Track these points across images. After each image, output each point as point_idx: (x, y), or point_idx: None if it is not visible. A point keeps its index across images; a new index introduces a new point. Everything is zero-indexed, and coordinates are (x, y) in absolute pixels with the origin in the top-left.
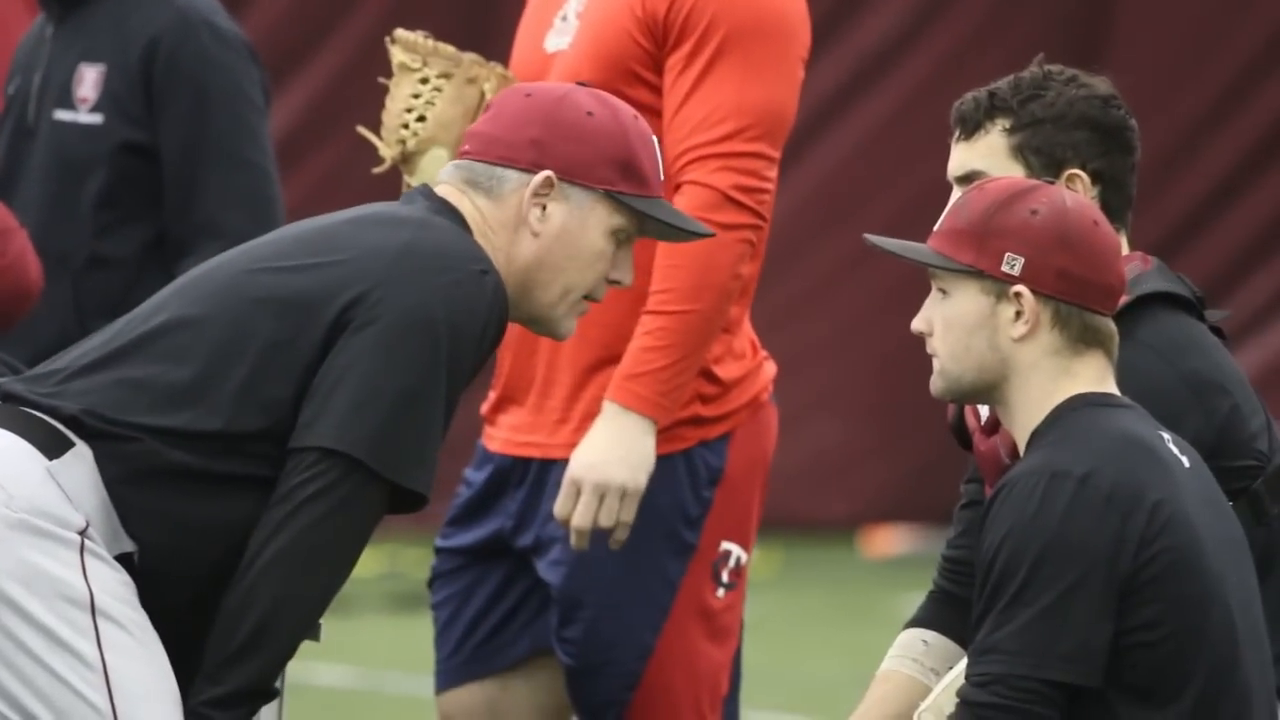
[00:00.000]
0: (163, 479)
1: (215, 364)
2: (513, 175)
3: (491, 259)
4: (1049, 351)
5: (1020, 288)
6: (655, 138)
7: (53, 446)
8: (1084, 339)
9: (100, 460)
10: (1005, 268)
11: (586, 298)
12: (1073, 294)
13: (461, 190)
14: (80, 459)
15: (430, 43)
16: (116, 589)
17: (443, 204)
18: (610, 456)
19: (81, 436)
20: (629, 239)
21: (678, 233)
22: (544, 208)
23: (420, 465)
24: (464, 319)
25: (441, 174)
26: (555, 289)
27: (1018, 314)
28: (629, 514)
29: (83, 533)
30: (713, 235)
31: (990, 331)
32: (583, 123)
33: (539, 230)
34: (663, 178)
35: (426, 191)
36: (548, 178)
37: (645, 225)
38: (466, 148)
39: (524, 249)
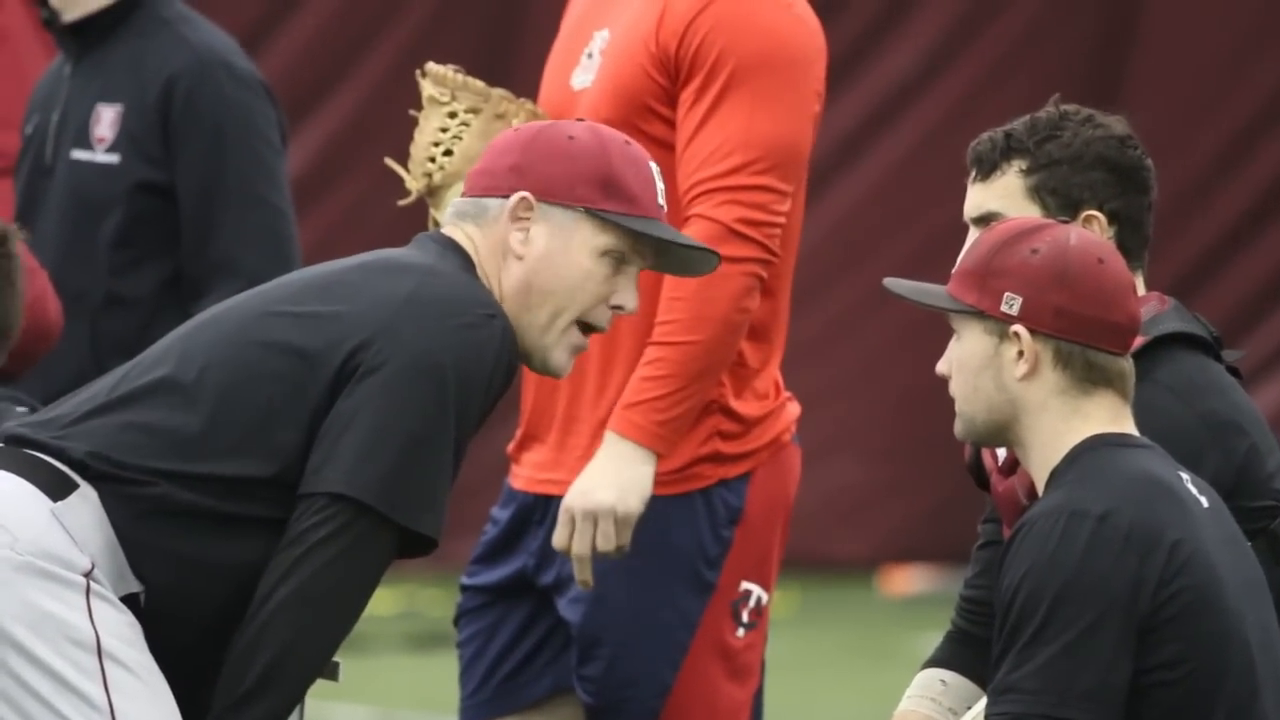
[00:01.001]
0: (172, 520)
1: (224, 409)
2: (494, 203)
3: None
4: (1055, 391)
5: (1018, 327)
6: (654, 165)
7: (57, 488)
8: (1090, 378)
9: (107, 502)
10: (1004, 307)
11: (586, 328)
12: (1072, 332)
13: (459, 227)
14: (85, 500)
15: (460, 77)
16: (122, 631)
17: (450, 244)
18: (601, 482)
19: (88, 479)
20: (623, 260)
21: (682, 256)
22: (526, 231)
23: (429, 509)
24: (471, 363)
25: (445, 216)
26: (544, 313)
27: (1020, 354)
28: (625, 537)
29: (88, 574)
30: (716, 258)
31: (995, 372)
32: (562, 145)
33: (522, 253)
34: (662, 204)
35: (438, 236)
36: (524, 199)
37: (640, 245)
38: (467, 186)
39: (511, 274)
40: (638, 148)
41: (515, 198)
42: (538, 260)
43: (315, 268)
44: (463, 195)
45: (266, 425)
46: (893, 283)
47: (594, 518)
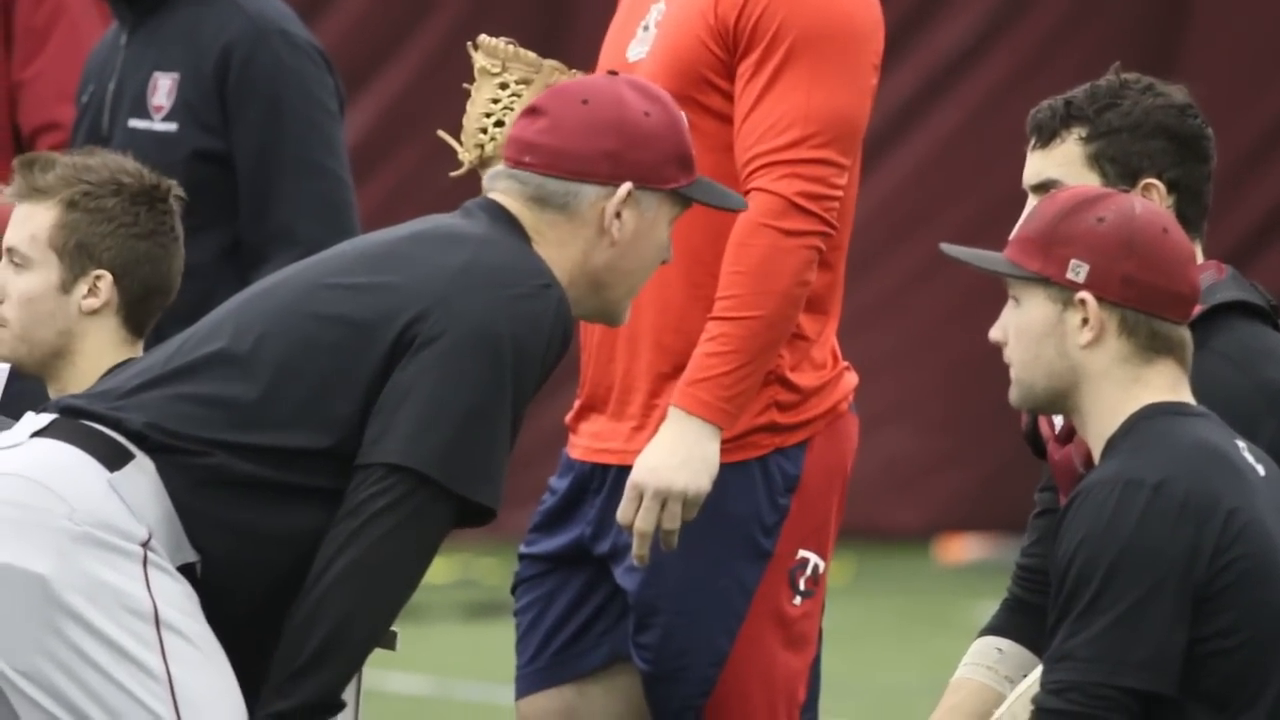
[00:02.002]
0: (230, 490)
1: (279, 381)
2: (590, 190)
3: (557, 269)
4: (1118, 359)
5: (1085, 294)
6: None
7: (114, 459)
8: (1153, 346)
9: (164, 472)
10: (1070, 274)
11: None
12: (1139, 301)
13: (526, 205)
14: (142, 471)
15: (511, 48)
16: (180, 601)
17: (504, 215)
18: (673, 461)
19: (144, 449)
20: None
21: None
22: (620, 217)
23: (487, 480)
24: (528, 334)
25: (496, 182)
26: (625, 287)
27: (1084, 321)
28: (690, 516)
29: (145, 544)
30: (744, 207)
31: (1058, 339)
32: (644, 125)
33: (618, 238)
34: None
35: (486, 204)
36: (630, 191)
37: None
38: (527, 159)
39: (600, 256)
40: (673, 100)
41: (624, 190)
42: (628, 244)
43: (367, 237)
44: (528, 169)
45: (323, 397)
46: (951, 249)
47: (664, 498)
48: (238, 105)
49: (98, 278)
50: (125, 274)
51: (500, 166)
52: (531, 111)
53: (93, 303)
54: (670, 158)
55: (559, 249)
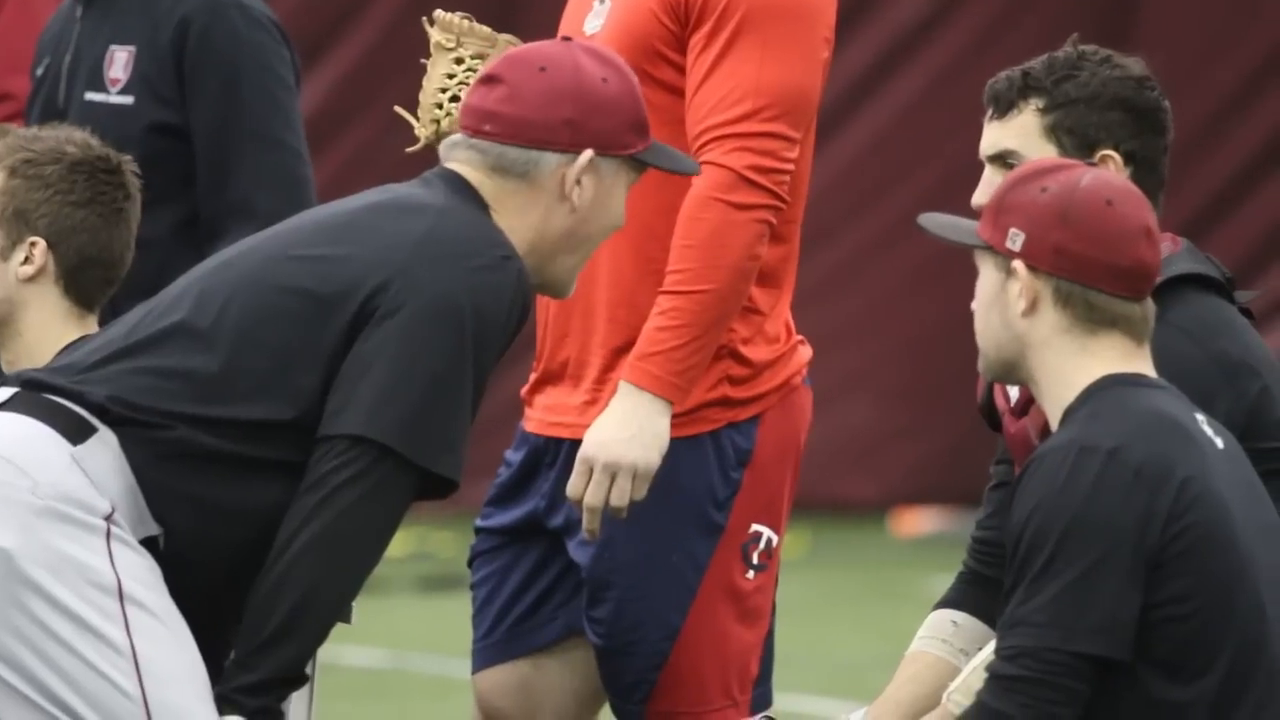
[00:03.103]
0: (191, 463)
1: (241, 353)
2: (551, 157)
3: (516, 238)
4: (1058, 329)
5: (1017, 263)
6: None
7: (76, 432)
8: (1092, 318)
9: (126, 446)
10: (1009, 243)
11: None
12: (1072, 272)
13: (486, 174)
14: (104, 444)
15: (467, 23)
16: (143, 574)
17: (463, 185)
18: (622, 435)
19: (107, 423)
20: None
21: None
22: (580, 183)
23: (449, 451)
24: (489, 304)
25: (455, 151)
26: (580, 254)
27: (1023, 290)
28: (640, 494)
29: (108, 518)
30: (698, 171)
31: (1001, 308)
32: (603, 92)
33: (577, 205)
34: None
35: (445, 174)
36: (592, 159)
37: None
38: (486, 128)
39: (559, 223)
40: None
41: (585, 157)
42: (587, 209)
43: (326, 207)
44: (487, 138)
45: (284, 369)
46: (926, 218)
47: (613, 472)
48: (194, 78)
49: (33, 244)
50: (60, 241)
51: (457, 136)
52: (488, 79)
53: (28, 270)
54: (628, 124)
55: (519, 217)
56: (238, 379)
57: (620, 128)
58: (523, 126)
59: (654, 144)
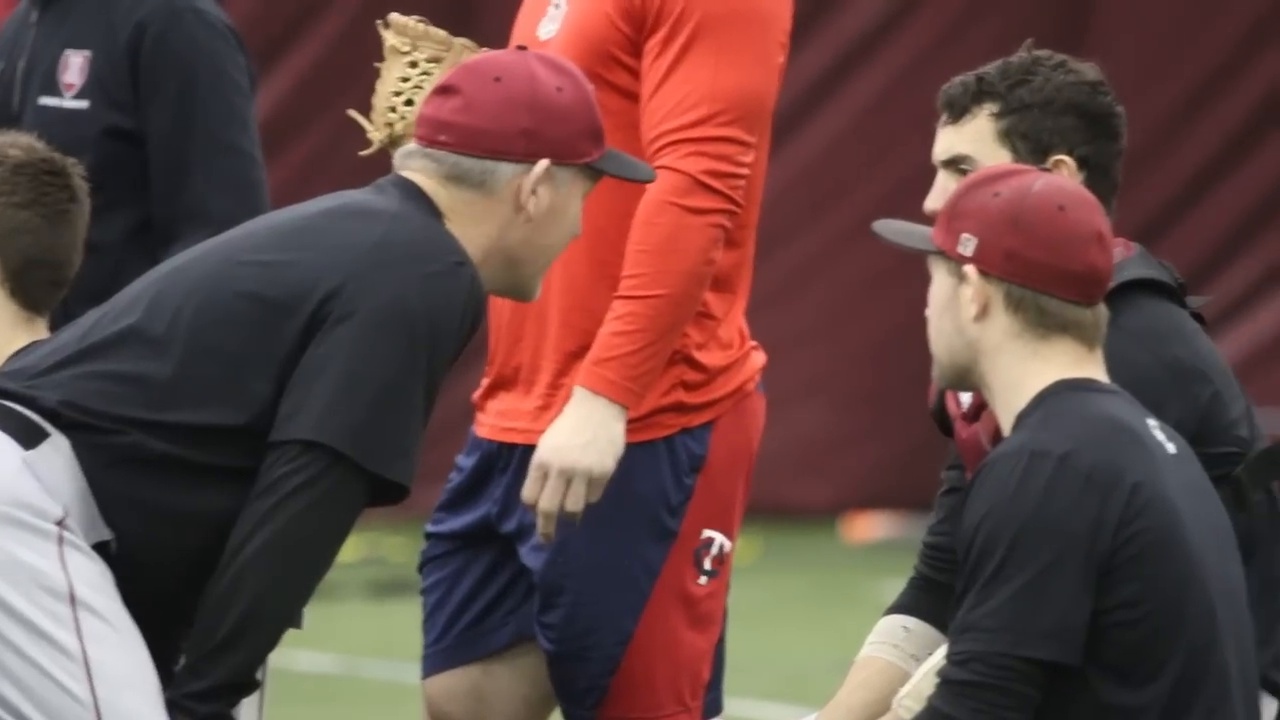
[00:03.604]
0: (144, 469)
1: (194, 358)
2: (506, 168)
3: (471, 246)
4: (1009, 334)
5: (969, 268)
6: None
7: (29, 437)
8: (1043, 323)
9: (79, 450)
10: (960, 248)
11: None
12: (1023, 276)
13: (441, 183)
14: (57, 449)
15: (422, 27)
16: (95, 579)
17: (417, 192)
18: (577, 441)
19: (59, 428)
20: None
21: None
22: (536, 193)
23: (402, 456)
24: (442, 311)
25: (410, 161)
26: (540, 262)
27: (974, 295)
28: (595, 496)
29: (60, 523)
30: (653, 178)
31: (954, 313)
32: (558, 101)
33: (534, 214)
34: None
35: (399, 181)
36: (548, 169)
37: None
38: (442, 138)
39: (515, 233)
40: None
41: (542, 167)
42: (543, 219)
43: (281, 213)
44: (442, 148)
45: (237, 374)
46: (880, 224)
47: (568, 478)
48: (150, 83)
49: None
50: (3, 243)
51: (412, 145)
52: (444, 90)
53: None
54: (584, 132)
55: (474, 226)
56: (190, 384)
57: (576, 136)
58: (478, 137)
59: (609, 151)
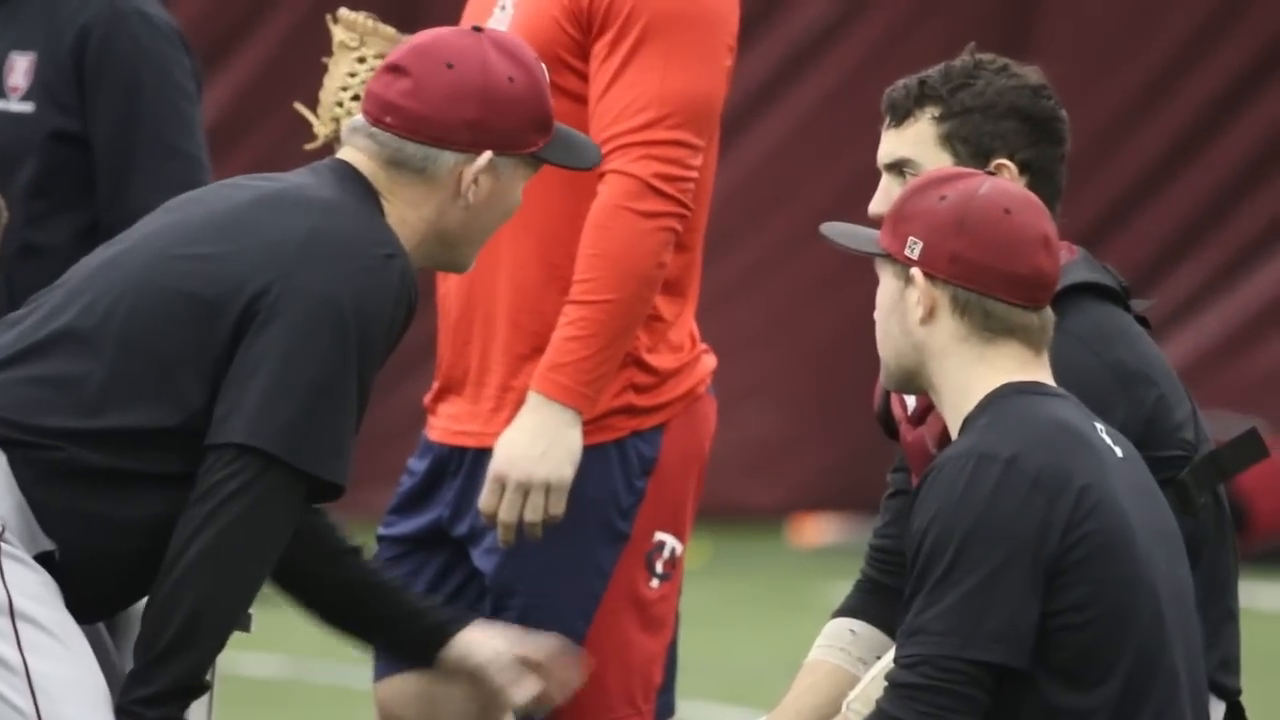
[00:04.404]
0: (78, 481)
1: (126, 357)
2: (449, 156)
3: (407, 229)
4: (956, 338)
5: (915, 271)
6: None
7: None
8: (989, 326)
9: (14, 465)
10: (907, 251)
11: None
12: (968, 279)
13: (381, 166)
14: None
15: (370, 22)
16: (36, 590)
17: (354, 176)
18: (533, 452)
19: None
20: None
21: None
22: (477, 181)
23: (336, 455)
24: (372, 306)
25: (353, 137)
26: (478, 243)
27: (920, 298)
28: (556, 508)
29: None
30: (598, 163)
31: (900, 316)
32: (508, 92)
33: (473, 201)
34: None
35: (336, 165)
36: (491, 160)
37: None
38: (387, 119)
39: (453, 217)
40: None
41: (484, 159)
42: (482, 205)
43: (215, 194)
44: (387, 129)
45: (169, 373)
46: (827, 227)
47: (526, 489)
48: (95, 86)
49: None
50: None
51: (358, 119)
52: (394, 69)
53: None
54: (531, 122)
55: (412, 209)
56: (123, 383)
57: (522, 127)
58: (423, 124)
59: (555, 136)
